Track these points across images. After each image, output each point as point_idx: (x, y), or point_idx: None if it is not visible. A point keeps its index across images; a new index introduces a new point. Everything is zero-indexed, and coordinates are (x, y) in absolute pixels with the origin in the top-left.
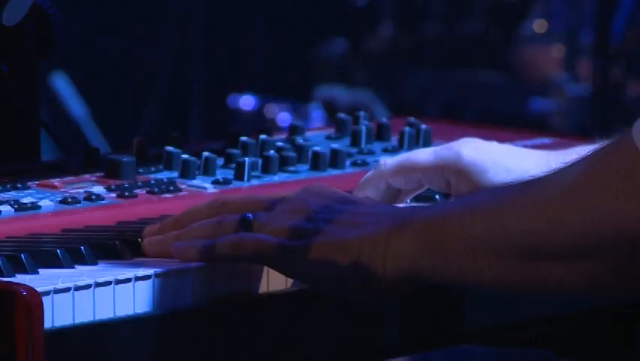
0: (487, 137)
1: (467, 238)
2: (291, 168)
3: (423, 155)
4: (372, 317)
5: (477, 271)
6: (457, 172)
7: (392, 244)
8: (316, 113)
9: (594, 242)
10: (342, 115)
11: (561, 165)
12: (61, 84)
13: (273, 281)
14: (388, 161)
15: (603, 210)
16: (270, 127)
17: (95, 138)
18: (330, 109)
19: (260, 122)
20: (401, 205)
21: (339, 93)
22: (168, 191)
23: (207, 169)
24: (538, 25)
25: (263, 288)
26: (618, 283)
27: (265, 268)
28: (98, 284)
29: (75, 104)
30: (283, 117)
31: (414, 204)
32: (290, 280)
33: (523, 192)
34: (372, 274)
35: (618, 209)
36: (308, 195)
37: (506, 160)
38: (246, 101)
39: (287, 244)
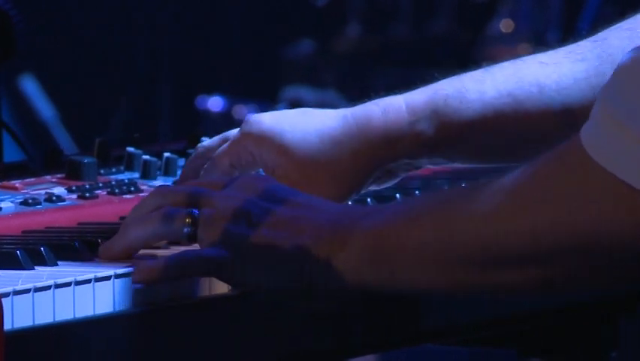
0: None
1: (415, 247)
2: None
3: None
4: (328, 318)
5: (427, 281)
6: (258, 140)
7: (334, 260)
8: None
9: (546, 248)
10: None
11: (508, 172)
12: (30, 86)
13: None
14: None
15: (555, 216)
16: (235, 127)
17: (64, 139)
18: None
19: (228, 124)
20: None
21: (307, 94)
22: (129, 192)
23: (168, 170)
24: (505, 25)
25: (205, 290)
26: (570, 284)
27: None
28: (58, 285)
29: (44, 106)
30: None
31: (354, 205)
32: None
33: (470, 199)
34: (313, 286)
35: (572, 214)
36: (246, 193)
37: (302, 122)
38: (215, 103)
39: (228, 259)
